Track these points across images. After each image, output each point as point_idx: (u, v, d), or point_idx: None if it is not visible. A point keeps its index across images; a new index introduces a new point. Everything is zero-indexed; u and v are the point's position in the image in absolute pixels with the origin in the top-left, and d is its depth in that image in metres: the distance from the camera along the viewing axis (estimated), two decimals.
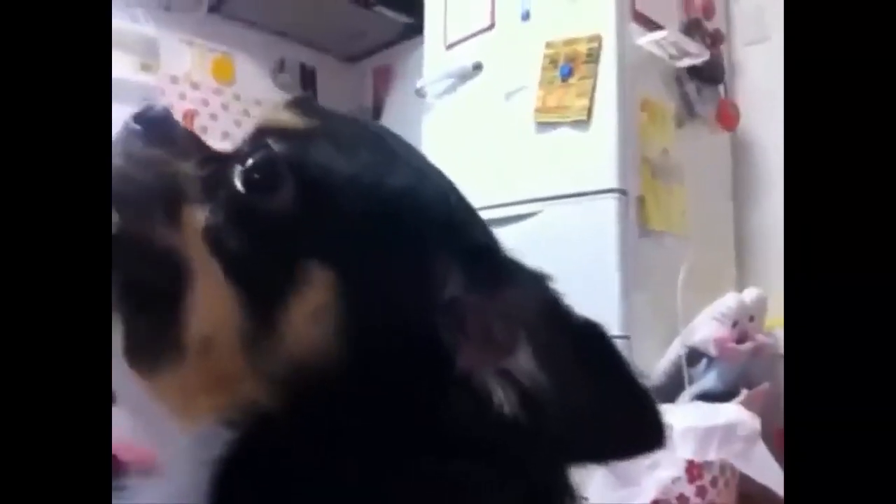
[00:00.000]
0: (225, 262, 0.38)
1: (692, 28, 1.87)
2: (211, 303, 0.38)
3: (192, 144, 0.44)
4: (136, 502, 0.40)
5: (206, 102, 2.68)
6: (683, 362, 1.50)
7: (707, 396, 1.46)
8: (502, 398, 0.35)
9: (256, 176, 0.39)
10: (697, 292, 1.60)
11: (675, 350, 1.54)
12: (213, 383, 0.38)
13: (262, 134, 0.42)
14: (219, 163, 0.42)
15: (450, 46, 2.07)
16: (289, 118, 0.43)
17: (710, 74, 1.90)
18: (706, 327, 1.53)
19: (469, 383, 0.36)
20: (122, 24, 2.38)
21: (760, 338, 1.55)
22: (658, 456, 1.22)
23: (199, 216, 0.40)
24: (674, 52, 1.76)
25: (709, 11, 1.95)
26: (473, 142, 1.94)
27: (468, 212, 0.43)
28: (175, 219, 0.40)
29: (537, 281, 0.38)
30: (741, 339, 1.53)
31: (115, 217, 0.40)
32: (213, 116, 2.70)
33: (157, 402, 0.40)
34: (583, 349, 0.36)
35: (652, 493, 1.23)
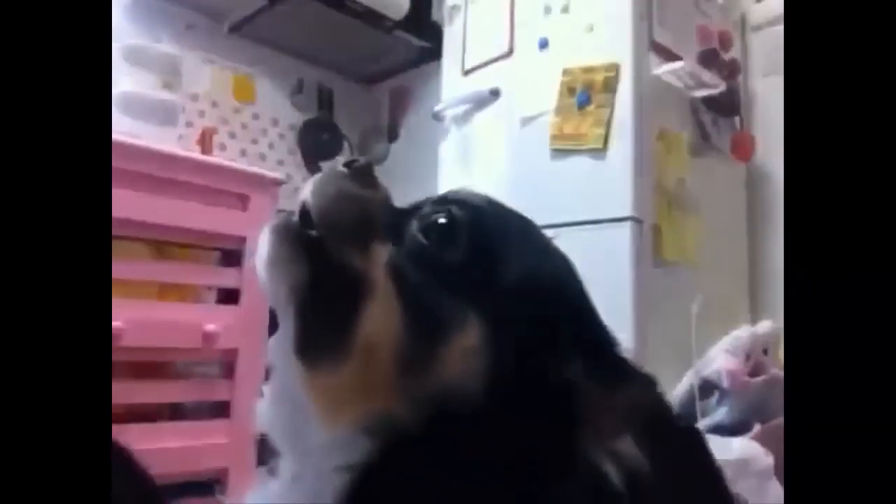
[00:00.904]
0: (402, 290, 0.45)
1: (709, 59, 1.88)
2: (382, 315, 0.45)
3: (384, 196, 0.53)
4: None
5: (225, 121, 2.72)
6: (696, 394, 1.49)
7: (719, 429, 1.45)
8: (610, 473, 0.39)
9: (436, 229, 0.47)
10: (711, 324, 1.59)
11: (688, 382, 1.53)
12: (365, 390, 0.43)
13: (446, 201, 0.50)
14: (401, 214, 0.51)
15: (468, 72, 2.09)
16: (469, 194, 0.51)
17: (727, 105, 1.91)
18: (719, 359, 1.52)
19: (582, 452, 0.40)
20: (144, 43, 2.42)
21: (774, 371, 1.53)
22: None
23: (382, 250, 0.48)
24: (690, 82, 1.77)
25: (726, 43, 1.96)
26: (489, 167, 1.95)
27: (594, 309, 0.49)
28: (365, 248, 0.48)
29: (647, 383, 0.44)
30: (755, 373, 1.51)
31: (317, 233, 0.48)
32: (232, 134, 2.73)
33: (310, 396, 0.45)
34: (682, 451, 0.42)
35: None
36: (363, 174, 0.52)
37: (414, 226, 0.48)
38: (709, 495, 0.42)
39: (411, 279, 0.46)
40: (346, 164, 0.52)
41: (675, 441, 0.42)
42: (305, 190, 0.51)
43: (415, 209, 0.51)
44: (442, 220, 0.47)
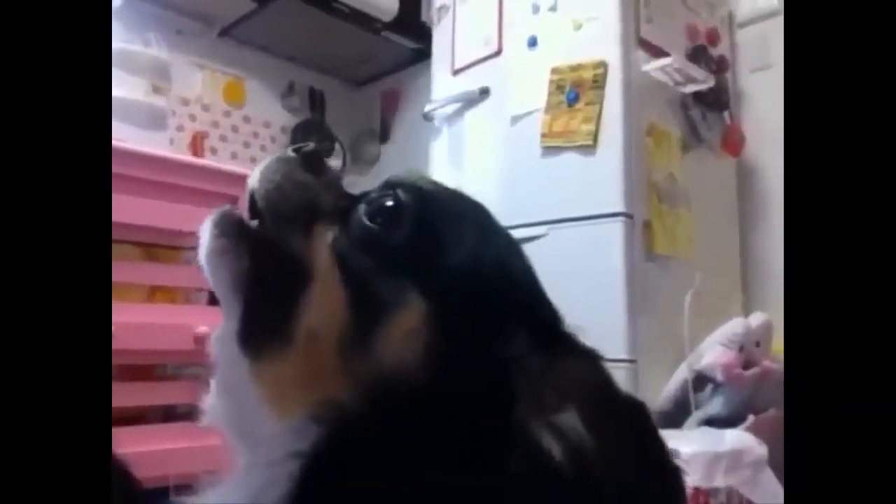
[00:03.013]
0: (344, 272, 0.46)
1: (697, 55, 1.89)
2: (324, 301, 0.45)
3: (333, 181, 0.53)
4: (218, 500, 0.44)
5: (216, 124, 2.71)
6: (690, 387, 1.49)
7: (713, 422, 1.45)
8: (551, 448, 0.38)
9: (382, 212, 0.47)
10: (704, 317, 1.59)
11: (682, 375, 1.54)
12: (310, 377, 0.44)
13: (392, 185, 0.50)
14: (349, 199, 0.51)
15: (457, 72, 2.10)
16: (418, 178, 0.51)
17: (716, 100, 1.92)
18: (712, 352, 1.52)
19: (522, 429, 0.39)
20: (134, 47, 2.42)
21: (767, 363, 1.53)
22: None
23: (326, 235, 0.48)
24: (679, 78, 1.78)
25: (713, 39, 1.97)
26: (480, 166, 1.95)
27: (540, 287, 0.49)
28: (308, 232, 0.48)
29: (590, 357, 0.44)
30: (748, 365, 1.52)
31: (260, 222, 0.49)
32: (223, 138, 2.73)
33: (257, 387, 0.45)
34: (625, 423, 0.41)
35: None
36: (310, 160, 0.52)
37: (360, 209, 0.48)
38: (653, 466, 0.41)
39: (354, 263, 0.46)
40: (295, 150, 0.53)
41: (619, 413, 0.41)
42: (252, 176, 0.51)
43: (364, 195, 0.51)
44: (388, 203, 0.48)
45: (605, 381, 0.43)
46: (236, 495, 0.43)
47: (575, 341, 0.45)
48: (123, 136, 2.04)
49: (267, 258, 0.47)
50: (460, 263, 0.46)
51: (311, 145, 0.54)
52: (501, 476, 0.38)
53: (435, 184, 0.51)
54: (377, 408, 0.41)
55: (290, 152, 0.53)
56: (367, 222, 0.47)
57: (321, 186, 0.51)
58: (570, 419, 0.39)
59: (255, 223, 0.49)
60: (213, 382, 0.50)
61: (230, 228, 0.49)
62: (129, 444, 1.10)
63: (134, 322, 1.25)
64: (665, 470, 0.41)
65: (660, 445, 0.42)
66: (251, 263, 0.47)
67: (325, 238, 0.48)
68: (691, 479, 1.23)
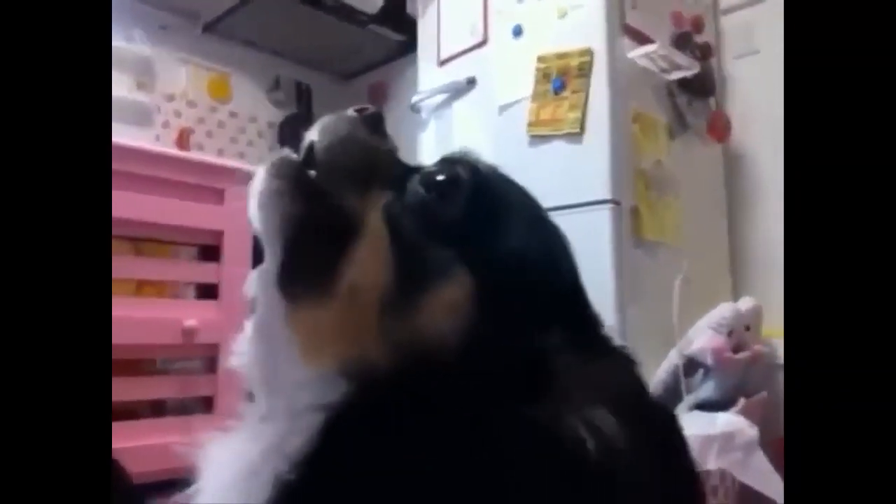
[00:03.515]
0: (394, 234, 0.46)
1: (682, 41, 1.89)
2: (370, 259, 0.45)
3: (391, 147, 0.54)
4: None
5: (202, 120, 2.70)
6: (680, 372, 1.50)
7: (705, 406, 1.46)
8: (586, 440, 0.38)
9: (440, 185, 0.48)
10: (693, 302, 1.60)
11: (672, 360, 1.54)
12: (346, 332, 0.44)
13: (451, 161, 0.51)
14: (405, 167, 0.52)
15: (443, 63, 2.09)
16: (476, 159, 0.52)
17: (701, 87, 1.92)
18: (702, 337, 1.53)
19: (556, 420, 0.39)
20: (118, 43, 2.40)
21: (757, 347, 1.55)
22: None
23: (380, 196, 0.48)
24: (664, 65, 1.78)
25: (698, 25, 1.97)
26: None
27: (582, 285, 0.50)
28: (363, 190, 0.48)
29: (626, 360, 0.45)
30: (737, 349, 1.53)
31: (316, 173, 0.49)
32: (209, 134, 2.71)
33: (291, 333, 0.45)
34: (654, 428, 0.42)
35: None
36: (373, 122, 0.53)
37: (417, 178, 0.49)
38: (676, 471, 0.43)
39: (405, 227, 0.46)
40: (358, 111, 0.53)
41: (648, 417, 0.42)
42: (313, 130, 0.51)
43: (419, 167, 0.52)
44: (446, 176, 0.48)
45: (639, 385, 0.44)
46: (253, 443, 0.42)
47: (612, 344, 0.46)
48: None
49: (319, 206, 0.47)
50: (510, 247, 0.46)
51: (373, 108, 0.54)
52: (522, 461, 0.38)
53: (494, 169, 0.51)
54: (408, 373, 0.41)
55: (353, 112, 0.53)
56: (423, 192, 0.48)
57: (380, 149, 0.52)
58: (603, 416, 0.39)
59: (311, 173, 0.49)
60: (248, 324, 0.49)
61: (287, 172, 0.49)
62: (119, 439, 1.09)
63: (122, 316, 1.24)
64: (687, 476, 0.43)
65: (685, 452, 0.43)
66: (303, 209, 0.47)
67: (379, 199, 0.48)
68: None
